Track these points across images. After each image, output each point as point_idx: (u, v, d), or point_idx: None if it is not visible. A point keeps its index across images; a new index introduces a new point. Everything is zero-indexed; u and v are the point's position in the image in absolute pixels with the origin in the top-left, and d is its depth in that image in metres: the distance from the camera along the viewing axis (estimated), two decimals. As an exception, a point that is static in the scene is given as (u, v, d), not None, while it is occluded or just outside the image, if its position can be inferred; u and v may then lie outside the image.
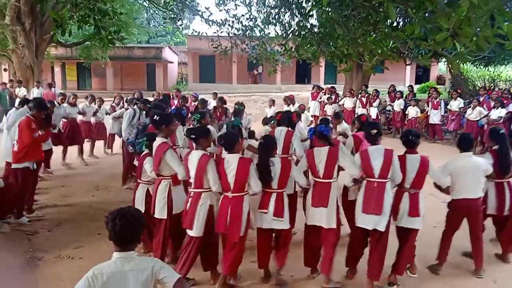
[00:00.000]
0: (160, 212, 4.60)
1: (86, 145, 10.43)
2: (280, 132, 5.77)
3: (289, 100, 11.99)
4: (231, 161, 4.20)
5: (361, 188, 4.52)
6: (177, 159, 4.48)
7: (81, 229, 6.02)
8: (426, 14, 4.81)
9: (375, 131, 4.49)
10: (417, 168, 4.47)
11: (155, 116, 4.69)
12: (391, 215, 4.47)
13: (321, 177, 4.44)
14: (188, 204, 4.29)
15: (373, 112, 14.01)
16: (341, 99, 14.84)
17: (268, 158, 4.36)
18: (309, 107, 14.93)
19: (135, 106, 8.20)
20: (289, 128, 5.83)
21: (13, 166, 6.17)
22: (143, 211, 4.81)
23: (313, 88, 15.70)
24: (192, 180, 4.28)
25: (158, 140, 4.57)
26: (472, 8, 3.58)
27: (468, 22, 3.81)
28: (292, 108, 11.66)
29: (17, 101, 14.04)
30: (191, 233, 4.26)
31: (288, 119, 5.99)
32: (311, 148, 4.74)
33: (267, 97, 20.18)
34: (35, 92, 15.19)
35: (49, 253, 5.20)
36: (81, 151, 10.10)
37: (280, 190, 4.38)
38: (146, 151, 4.97)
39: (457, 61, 5.40)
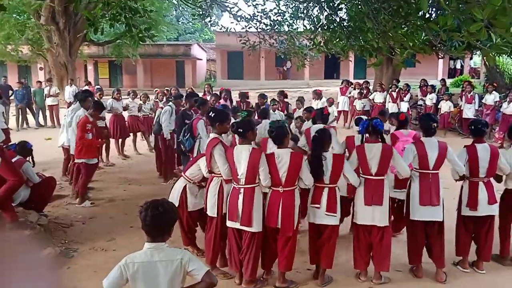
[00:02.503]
0: (211, 210, 4.49)
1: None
2: (316, 129, 5.84)
3: (317, 95, 11.93)
4: (282, 155, 4.12)
5: (414, 181, 4.52)
6: (223, 157, 4.28)
7: (114, 222, 6.18)
8: (459, 5, 4.69)
9: (435, 124, 4.57)
10: (488, 157, 4.56)
11: (211, 112, 4.63)
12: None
13: (374, 174, 4.35)
14: (240, 201, 4.15)
15: (404, 107, 13.72)
16: (371, 94, 14.63)
17: (321, 152, 4.30)
18: (338, 102, 14.79)
19: (170, 103, 8.32)
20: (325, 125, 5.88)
21: (75, 160, 6.89)
22: (177, 205, 4.83)
23: (342, 83, 15.54)
24: (241, 176, 4.16)
25: (210, 136, 4.49)
26: (508, -3, 3.47)
27: (504, 12, 3.70)
28: (320, 103, 11.57)
29: (50, 99, 14.62)
30: (251, 229, 4.15)
31: (321, 115, 6.07)
32: (362, 144, 4.58)
33: (296, 92, 20.10)
34: (68, 90, 15.68)
35: (83, 244, 5.36)
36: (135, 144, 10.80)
37: (332, 185, 4.31)
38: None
39: (493, 53, 5.24)
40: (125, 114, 10.49)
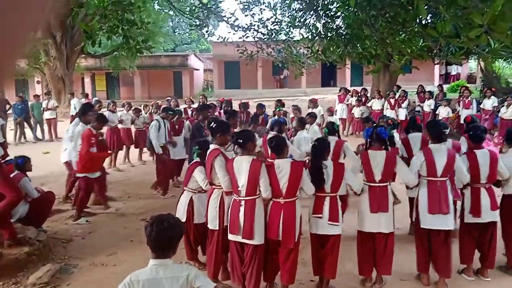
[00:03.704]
0: (212, 223, 4.43)
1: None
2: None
3: (312, 103, 11.89)
4: (282, 166, 4.06)
5: (422, 189, 4.46)
6: (223, 169, 4.24)
7: (113, 236, 6.10)
8: (458, 11, 4.69)
9: (447, 130, 4.55)
10: (488, 162, 4.53)
11: (212, 123, 4.62)
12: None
13: (378, 181, 4.34)
14: (241, 214, 4.06)
15: (402, 113, 13.74)
16: (370, 101, 14.66)
17: (321, 161, 4.26)
18: (336, 110, 14.79)
19: (158, 116, 8.32)
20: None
21: (77, 174, 6.77)
22: (184, 219, 4.71)
23: (340, 91, 15.55)
24: (241, 188, 4.09)
25: (211, 147, 4.46)
26: (508, 3, 3.46)
27: (503, 17, 3.68)
28: (316, 111, 11.50)
29: (48, 113, 14.56)
30: (253, 242, 4.06)
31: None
32: (366, 151, 4.58)
33: (293, 101, 20.10)
34: (73, 103, 15.67)
35: (83, 260, 5.28)
36: (127, 156, 10.77)
37: (333, 194, 4.26)
38: (197, 159, 4.82)
39: (491, 58, 5.23)
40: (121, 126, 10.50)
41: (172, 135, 8.34)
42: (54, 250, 5.46)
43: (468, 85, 20.74)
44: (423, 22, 6.40)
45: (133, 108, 11.02)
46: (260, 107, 9.20)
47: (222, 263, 4.56)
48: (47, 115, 14.82)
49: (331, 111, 11.58)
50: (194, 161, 4.87)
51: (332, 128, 6.25)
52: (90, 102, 10.49)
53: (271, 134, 6.06)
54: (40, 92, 21.81)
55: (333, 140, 5.97)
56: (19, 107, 14.66)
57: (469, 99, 12.88)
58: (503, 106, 12.08)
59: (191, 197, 4.79)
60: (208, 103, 11.20)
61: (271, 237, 4.13)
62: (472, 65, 30.37)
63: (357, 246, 4.56)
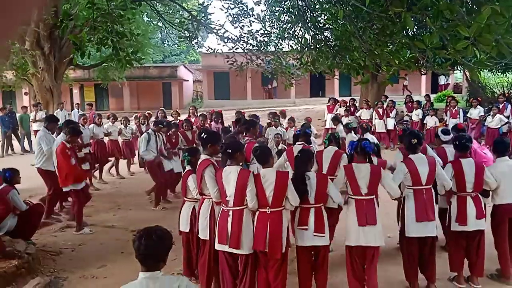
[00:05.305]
0: (203, 233, 4.42)
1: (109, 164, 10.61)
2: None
3: (281, 114, 11.89)
4: (268, 175, 4.04)
5: (408, 199, 4.53)
6: (213, 179, 4.22)
7: (104, 248, 6.05)
8: (443, 23, 4.78)
9: (415, 140, 4.59)
10: (474, 171, 4.59)
11: (203, 134, 4.65)
12: None
13: (364, 194, 4.27)
14: (229, 223, 4.04)
15: (390, 123, 13.90)
16: (358, 111, 14.79)
17: (303, 172, 4.24)
18: (326, 120, 14.90)
19: (149, 129, 8.32)
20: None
21: (63, 189, 6.74)
22: (187, 230, 4.73)
23: (329, 101, 15.67)
24: (230, 198, 4.07)
25: (202, 157, 4.46)
26: (493, 15, 3.55)
27: (489, 29, 3.77)
28: (284, 122, 11.36)
29: (36, 124, 14.43)
30: (241, 252, 4.04)
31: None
32: (350, 163, 4.53)
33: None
34: (60, 115, 15.51)
35: (73, 273, 5.22)
36: (110, 169, 10.67)
37: (318, 205, 4.23)
38: (188, 168, 4.86)
39: (477, 69, 5.33)
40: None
41: (169, 148, 8.35)
42: (43, 263, 5.40)
43: (454, 95, 21.07)
44: (410, 34, 6.52)
45: (122, 118, 11.00)
46: (255, 118, 9.25)
47: (215, 274, 4.54)
48: (35, 126, 14.67)
49: (309, 121, 11.52)
50: (186, 170, 4.90)
51: (334, 138, 5.89)
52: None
53: (298, 145, 6.03)
54: (28, 104, 21.61)
55: (331, 150, 5.65)
56: (6, 119, 14.52)
57: (455, 108, 13.09)
58: (489, 115, 12.30)
59: (193, 206, 4.76)
60: (199, 113, 11.23)
61: (258, 248, 4.07)
62: (458, 75, 30.88)
63: (346, 263, 4.42)
